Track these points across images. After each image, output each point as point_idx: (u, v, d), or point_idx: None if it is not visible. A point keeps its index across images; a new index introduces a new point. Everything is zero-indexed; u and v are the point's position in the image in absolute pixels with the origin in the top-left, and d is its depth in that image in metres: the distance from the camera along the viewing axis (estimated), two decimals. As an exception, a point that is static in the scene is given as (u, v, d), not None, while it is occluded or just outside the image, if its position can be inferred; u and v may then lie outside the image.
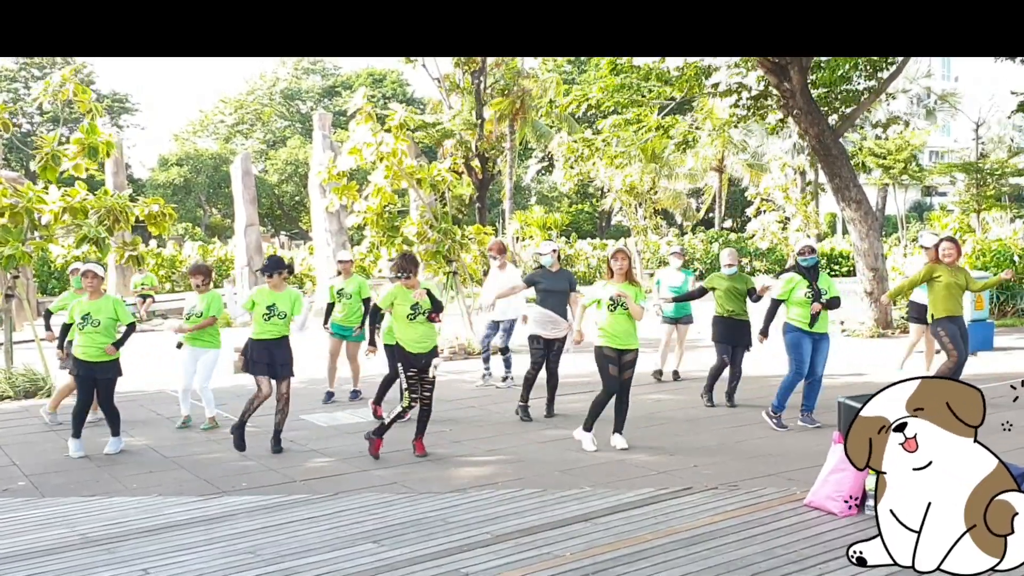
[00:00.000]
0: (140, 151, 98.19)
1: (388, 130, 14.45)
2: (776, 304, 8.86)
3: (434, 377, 7.96)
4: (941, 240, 9.68)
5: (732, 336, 9.81)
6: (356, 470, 7.56)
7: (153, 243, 33.68)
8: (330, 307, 10.94)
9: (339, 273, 11.08)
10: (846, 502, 5.88)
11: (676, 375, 11.77)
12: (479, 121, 35.66)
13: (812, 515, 5.92)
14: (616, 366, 7.93)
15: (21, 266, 11.76)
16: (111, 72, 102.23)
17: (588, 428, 8.15)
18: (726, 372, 9.98)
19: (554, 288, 9.54)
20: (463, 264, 15.82)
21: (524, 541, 5.57)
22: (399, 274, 7.82)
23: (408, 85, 64.17)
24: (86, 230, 11.48)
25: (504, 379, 11.63)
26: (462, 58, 35.13)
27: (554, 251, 9.79)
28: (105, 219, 11.75)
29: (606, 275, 8.16)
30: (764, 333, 8.91)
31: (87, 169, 11.93)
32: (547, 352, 9.47)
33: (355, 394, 11.11)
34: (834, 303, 8.74)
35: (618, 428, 8.17)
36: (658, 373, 11.79)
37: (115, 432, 8.58)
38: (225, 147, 62.19)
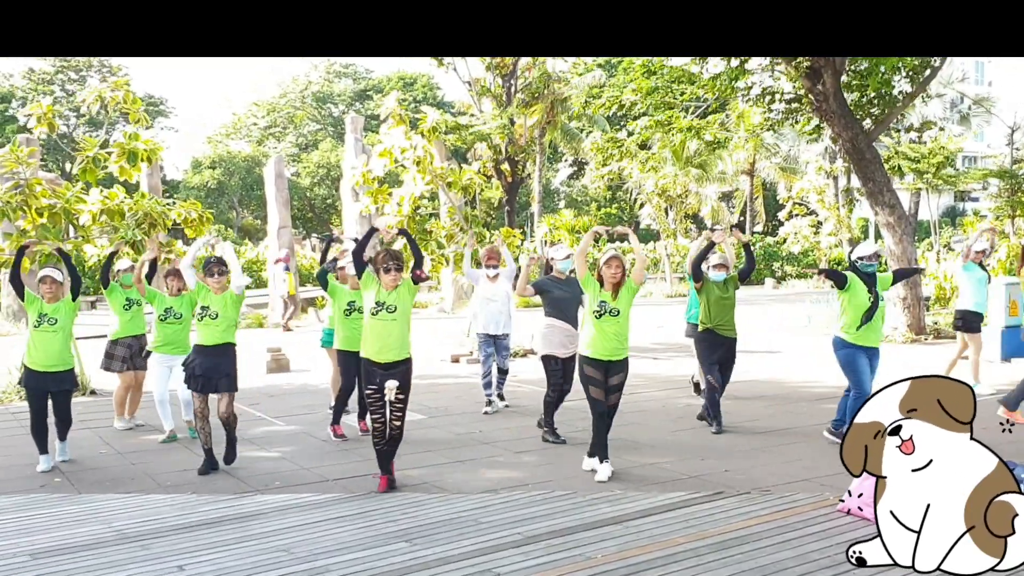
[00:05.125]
0: (173, 153, 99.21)
1: (421, 133, 14.54)
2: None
3: (399, 400, 6.68)
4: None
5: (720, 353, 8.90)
6: (388, 470, 7.56)
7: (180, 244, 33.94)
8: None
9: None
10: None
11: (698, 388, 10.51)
12: (509, 125, 35.71)
13: (846, 520, 5.86)
14: (601, 388, 7.07)
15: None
16: (146, 75, 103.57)
17: (592, 454, 7.31)
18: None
19: (570, 296, 8.50)
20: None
21: (555, 542, 5.57)
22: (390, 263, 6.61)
23: (439, 88, 64.42)
24: (123, 232, 11.63)
25: (500, 398, 10.34)
26: (493, 62, 35.24)
27: (569, 256, 8.55)
28: (142, 222, 11.90)
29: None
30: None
31: (133, 174, 12.02)
32: (564, 371, 8.41)
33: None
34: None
35: (598, 453, 7.19)
36: (696, 386, 10.72)
37: (62, 437, 8.14)
38: (258, 150, 62.84)
